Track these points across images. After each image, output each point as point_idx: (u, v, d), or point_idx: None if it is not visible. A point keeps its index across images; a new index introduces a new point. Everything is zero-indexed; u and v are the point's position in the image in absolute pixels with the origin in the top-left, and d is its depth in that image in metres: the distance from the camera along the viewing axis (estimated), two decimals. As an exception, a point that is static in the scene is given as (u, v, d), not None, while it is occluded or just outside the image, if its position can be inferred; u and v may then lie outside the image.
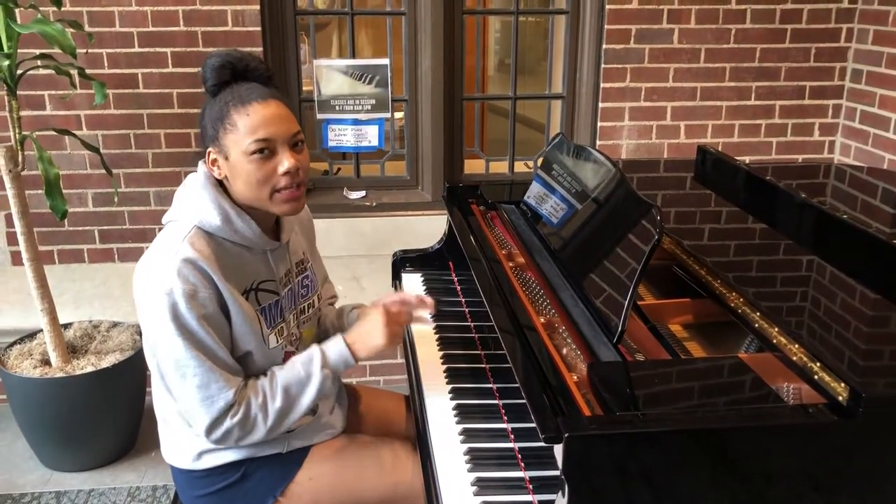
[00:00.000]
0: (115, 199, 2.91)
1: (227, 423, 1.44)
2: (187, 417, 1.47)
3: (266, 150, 1.41)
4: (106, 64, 2.89)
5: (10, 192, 2.39)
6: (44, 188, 2.37)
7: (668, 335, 1.49)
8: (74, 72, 2.41)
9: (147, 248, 1.51)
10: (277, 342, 1.54)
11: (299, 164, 1.44)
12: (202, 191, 1.47)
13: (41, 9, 2.34)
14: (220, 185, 1.50)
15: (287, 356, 1.57)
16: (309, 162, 1.50)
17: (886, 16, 3.02)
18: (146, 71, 2.92)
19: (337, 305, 1.87)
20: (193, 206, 1.47)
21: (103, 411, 2.56)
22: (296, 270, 1.64)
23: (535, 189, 1.97)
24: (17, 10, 2.30)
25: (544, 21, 3.42)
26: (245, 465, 1.56)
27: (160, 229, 1.53)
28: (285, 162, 1.42)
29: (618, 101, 3.19)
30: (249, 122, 1.40)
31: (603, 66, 3.14)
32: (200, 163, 1.53)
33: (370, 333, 1.54)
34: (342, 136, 3.17)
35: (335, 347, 1.53)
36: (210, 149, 1.47)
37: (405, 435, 1.79)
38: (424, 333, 1.89)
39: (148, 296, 1.41)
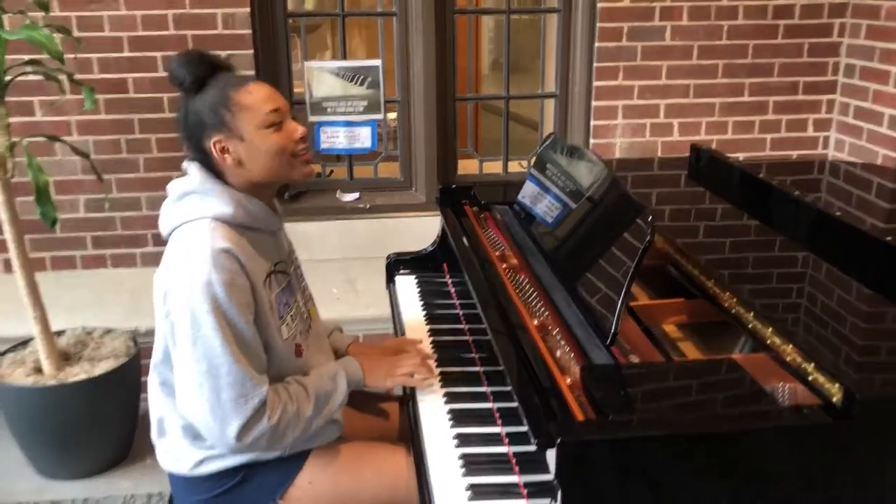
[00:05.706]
0: (107, 205, 2.90)
1: (262, 425, 1.43)
2: (209, 426, 1.43)
3: (279, 121, 1.50)
4: (96, 69, 2.87)
5: (-1, 199, 2.37)
6: (34, 195, 2.35)
7: (661, 336, 1.47)
8: (63, 77, 2.39)
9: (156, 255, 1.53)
10: (288, 334, 1.56)
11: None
12: (206, 185, 1.50)
13: (29, 14, 2.32)
14: (219, 177, 1.53)
15: (298, 349, 1.59)
16: None
17: (879, 10, 3.01)
18: (137, 75, 2.90)
19: (330, 313, 1.89)
20: (204, 201, 1.49)
21: (97, 419, 2.54)
22: (289, 250, 1.70)
23: (529, 189, 1.96)
24: (4, 16, 2.28)
25: (538, 19, 3.40)
26: (245, 469, 1.55)
27: (159, 236, 1.54)
28: (298, 128, 1.53)
29: (611, 100, 3.18)
30: (256, 97, 1.49)
31: (595, 64, 3.13)
32: (189, 165, 1.55)
33: (379, 371, 1.66)
34: (335, 139, 3.15)
35: (353, 368, 1.63)
36: (215, 137, 1.49)
37: (400, 437, 1.79)
38: (418, 335, 1.88)
39: (184, 293, 1.41)
